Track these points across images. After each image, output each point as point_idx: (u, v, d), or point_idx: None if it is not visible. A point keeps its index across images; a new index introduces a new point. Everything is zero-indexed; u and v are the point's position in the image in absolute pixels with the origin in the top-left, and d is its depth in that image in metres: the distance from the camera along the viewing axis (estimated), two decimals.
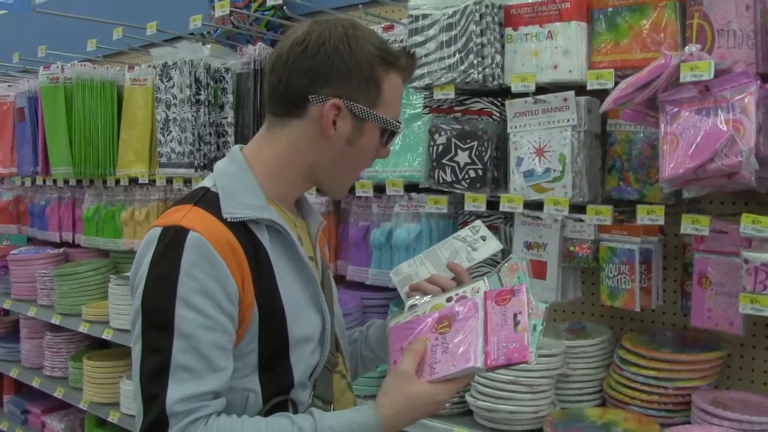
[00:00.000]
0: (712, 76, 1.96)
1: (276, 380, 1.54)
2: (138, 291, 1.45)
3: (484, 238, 1.92)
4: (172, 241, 1.44)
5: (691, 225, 2.10)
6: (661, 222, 2.18)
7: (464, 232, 1.95)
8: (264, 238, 1.53)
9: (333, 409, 1.63)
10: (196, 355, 1.40)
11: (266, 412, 1.51)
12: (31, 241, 5.34)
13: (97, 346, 4.64)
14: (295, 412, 1.55)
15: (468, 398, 2.41)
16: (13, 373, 4.87)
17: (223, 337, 1.44)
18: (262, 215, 1.53)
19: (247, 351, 1.50)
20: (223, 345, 1.44)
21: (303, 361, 1.57)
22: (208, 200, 1.53)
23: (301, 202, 1.75)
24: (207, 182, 1.59)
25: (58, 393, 4.44)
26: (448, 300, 1.65)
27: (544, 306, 1.62)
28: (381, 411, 1.49)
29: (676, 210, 2.25)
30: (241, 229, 1.50)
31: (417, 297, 1.73)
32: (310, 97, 1.54)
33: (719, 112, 1.96)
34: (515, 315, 1.52)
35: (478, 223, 1.96)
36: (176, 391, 1.37)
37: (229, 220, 1.49)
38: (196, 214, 1.49)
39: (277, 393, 1.54)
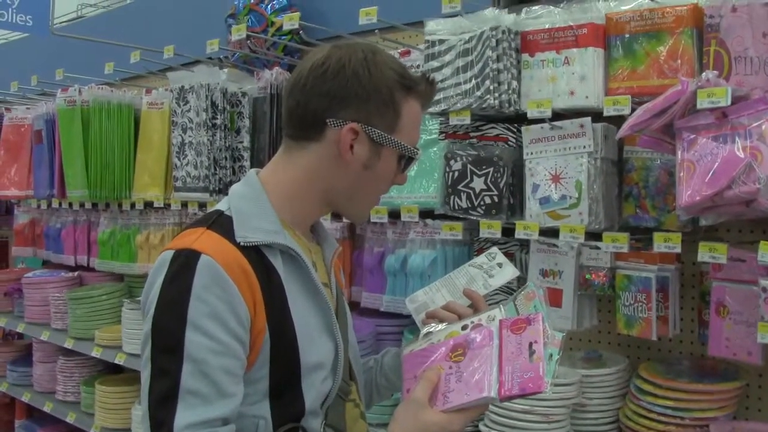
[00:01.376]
0: (729, 102, 1.95)
1: (287, 407, 1.52)
2: (149, 314, 1.44)
3: (500, 265, 1.91)
4: (184, 264, 1.43)
5: (709, 253, 2.08)
6: (678, 250, 2.15)
7: (480, 259, 1.93)
8: (277, 262, 1.52)
9: None
10: (205, 380, 1.38)
11: None
12: (46, 264, 5.35)
13: (109, 371, 4.64)
14: None
15: (482, 428, 2.38)
16: (25, 397, 4.86)
17: (234, 362, 1.42)
18: (275, 240, 1.51)
19: (258, 377, 1.48)
20: (234, 370, 1.42)
21: (315, 388, 1.55)
22: (221, 223, 1.51)
23: (317, 227, 1.73)
24: (221, 205, 1.58)
25: (70, 418, 4.42)
26: (464, 328, 1.63)
27: (560, 335, 1.60)
28: None
29: (693, 238, 2.23)
30: (254, 254, 1.48)
31: (433, 324, 1.71)
32: (327, 120, 1.53)
33: (736, 138, 1.95)
34: (530, 344, 1.50)
35: (494, 249, 1.95)
36: (184, 416, 1.35)
37: (242, 244, 1.47)
38: (208, 237, 1.47)
39: (287, 421, 1.51)
